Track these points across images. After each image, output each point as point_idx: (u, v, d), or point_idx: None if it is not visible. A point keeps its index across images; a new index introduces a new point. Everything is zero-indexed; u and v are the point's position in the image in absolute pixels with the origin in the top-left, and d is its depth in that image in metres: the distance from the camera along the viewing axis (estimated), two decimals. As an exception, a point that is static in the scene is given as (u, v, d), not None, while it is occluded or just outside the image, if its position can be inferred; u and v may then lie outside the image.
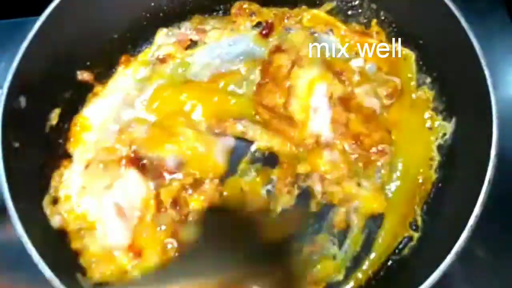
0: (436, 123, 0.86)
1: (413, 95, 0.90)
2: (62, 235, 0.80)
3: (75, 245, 0.80)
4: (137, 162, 0.85)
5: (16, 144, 0.78)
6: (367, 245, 0.83)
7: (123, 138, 0.88)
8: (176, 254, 0.80)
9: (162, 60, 0.96)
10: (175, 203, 0.83)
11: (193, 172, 0.85)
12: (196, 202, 0.83)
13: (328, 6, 0.97)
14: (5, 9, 1.07)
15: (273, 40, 0.96)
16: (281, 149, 0.87)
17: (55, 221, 0.80)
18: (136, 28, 0.97)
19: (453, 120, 0.85)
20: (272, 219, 0.83)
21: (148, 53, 0.97)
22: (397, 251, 0.82)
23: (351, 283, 0.81)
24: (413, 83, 0.90)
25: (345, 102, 0.88)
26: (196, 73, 0.95)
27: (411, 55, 0.91)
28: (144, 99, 0.93)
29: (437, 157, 0.85)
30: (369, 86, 0.89)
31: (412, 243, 0.82)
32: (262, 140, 0.87)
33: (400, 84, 0.89)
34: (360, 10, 0.96)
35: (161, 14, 0.98)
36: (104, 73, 0.94)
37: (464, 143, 0.82)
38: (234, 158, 0.88)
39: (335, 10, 0.97)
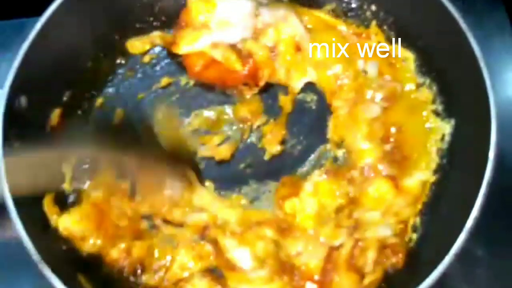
0: (435, 124, 0.86)
1: (412, 96, 0.90)
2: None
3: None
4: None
5: (17, 144, 0.78)
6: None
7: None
8: None
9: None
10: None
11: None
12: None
13: (328, 7, 0.97)
14: (6, 10, 1.07)
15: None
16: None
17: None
18: (137, 29, 0.97)
19: (452, 121, 0.85)
20: None
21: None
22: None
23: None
24: (412, 84, 0.91)
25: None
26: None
27: (411, 56, 0.91)
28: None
29: (435, 158, 0.85)
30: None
31: (411, 244, 0.82)
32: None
33: (400, 87, 0.89)
34: (360, 12, 0.96)
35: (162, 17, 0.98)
36: (105, 72, 0.95)
37: (463, 144, 0.82)
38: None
39: (336, 11, 0.97)
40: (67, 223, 0.79)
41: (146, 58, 0.97)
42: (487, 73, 0.75)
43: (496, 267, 0.87)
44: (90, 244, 0.79)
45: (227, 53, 0.88)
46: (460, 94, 0.83)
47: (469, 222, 0.70)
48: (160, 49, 0.97)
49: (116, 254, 0.80)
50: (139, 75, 0.96)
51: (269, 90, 0.94)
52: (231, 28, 0.89)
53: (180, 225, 0.84)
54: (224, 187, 0.89)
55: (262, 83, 0.91)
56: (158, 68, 0.97)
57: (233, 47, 0.89)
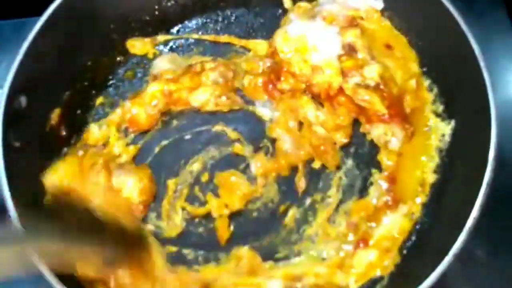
0: (435, 125, 0.86)
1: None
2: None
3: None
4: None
5: (17, 144, 0.78)
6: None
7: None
8: None
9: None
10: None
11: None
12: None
13: (329, 7, 0.97)
14: (6, 10, 1.07)
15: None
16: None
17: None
18: (137, 29, 0.97)
19: (452, 122, 0.85)
20: None
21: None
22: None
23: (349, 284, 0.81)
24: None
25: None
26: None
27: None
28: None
29: (436, 159, 0.85)
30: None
31: (410, 244, 0.82)
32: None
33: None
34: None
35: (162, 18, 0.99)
36: (105, 72, 0.95)
37: (463, 144, 0.82)
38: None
39: (336, 11, 0.97)
40: (53, 178, 0.80)
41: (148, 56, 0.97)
42: (487, 73, 0.75)
43: (496, 267, 0.87)
44: None
45: (371, 97, 0.83)
46: (460, 94, 0.83)
47: (469, 222, 0.69)
48: (160, 47, 0.98)
49: None
50: (139, 75, 0.96)
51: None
52: (323, 49, 0.87)
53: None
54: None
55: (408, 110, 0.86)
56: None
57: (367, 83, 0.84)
